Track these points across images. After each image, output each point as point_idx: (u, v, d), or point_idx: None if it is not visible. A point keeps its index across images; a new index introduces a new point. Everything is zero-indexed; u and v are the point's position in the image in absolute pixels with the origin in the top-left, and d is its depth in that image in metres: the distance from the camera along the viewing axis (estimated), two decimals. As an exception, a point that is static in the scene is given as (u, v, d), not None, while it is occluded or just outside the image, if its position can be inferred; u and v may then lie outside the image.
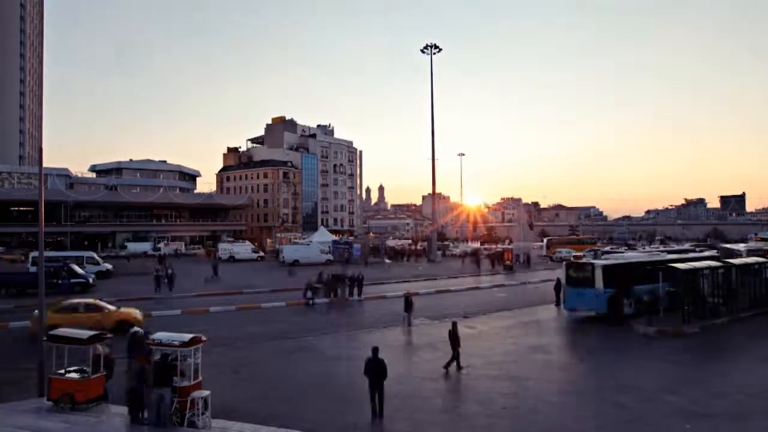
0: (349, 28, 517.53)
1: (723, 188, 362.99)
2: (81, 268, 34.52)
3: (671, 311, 20.36)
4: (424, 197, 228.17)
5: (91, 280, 32.28)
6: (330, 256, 54.80)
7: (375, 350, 11.39)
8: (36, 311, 14.71)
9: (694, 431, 10.56)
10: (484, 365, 15.63)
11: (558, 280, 27.88)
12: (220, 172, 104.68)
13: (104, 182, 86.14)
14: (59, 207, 65.59)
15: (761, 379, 14.07)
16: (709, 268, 22.34)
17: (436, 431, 10.64)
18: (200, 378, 11.06)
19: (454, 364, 14.68)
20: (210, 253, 61.95)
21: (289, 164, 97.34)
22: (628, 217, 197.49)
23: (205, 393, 10.60)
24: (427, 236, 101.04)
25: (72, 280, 30.79)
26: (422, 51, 58.23)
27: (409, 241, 77.73)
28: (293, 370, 14.94)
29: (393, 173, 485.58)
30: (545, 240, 68.82)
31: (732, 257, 26.67)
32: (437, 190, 63.65)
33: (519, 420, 11.15)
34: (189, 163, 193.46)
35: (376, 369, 11.08)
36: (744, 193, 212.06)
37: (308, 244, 57.70)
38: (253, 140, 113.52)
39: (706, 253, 28.79)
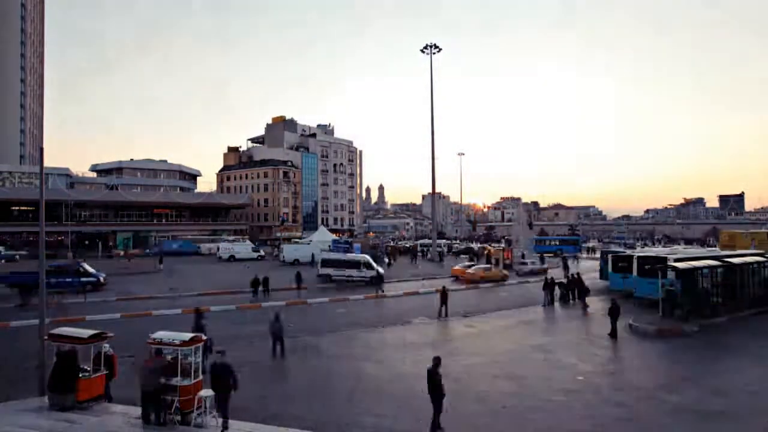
0: (349, 28, 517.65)
1: (722, 188, 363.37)
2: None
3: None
4: (424, 197, 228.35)
5: (102, 279, 32.62)
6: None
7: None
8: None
9: (696, 430, 10.60)
10: (484, 364, 15.67)
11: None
12: (220, 171, 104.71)
13: (105, 182, 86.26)
14: (60, 206, 65.69)
15: (761, 377, 14.11)
16: (709, 267, 22.48)
17: (436, 430, 10.65)
18: (200, 377, 11.09)
19: None
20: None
21: (290, 164, 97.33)
22: (627, 217, 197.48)
23: (211, 392, 10.61)
24: (426, 235, 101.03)
25: (83, 279, 31.07)
26: (422, 51, 58.19)
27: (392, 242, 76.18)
28: (293, 370, 14.98)
29: (393, 173, 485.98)
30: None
31: None
32: (437, 190, 63.57)
33: (519, 419, 11.17)
34: (189, 163, 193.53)
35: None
36: (743, 192, 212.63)
37: (308, 244, 57.71)
38: (253, 140, 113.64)
39: None
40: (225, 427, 10.01)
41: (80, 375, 11.32)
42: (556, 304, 26.88)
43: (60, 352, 11.24)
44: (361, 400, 12.44)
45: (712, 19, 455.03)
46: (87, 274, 31.93)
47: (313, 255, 51.10)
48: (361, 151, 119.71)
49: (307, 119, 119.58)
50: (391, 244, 73.92)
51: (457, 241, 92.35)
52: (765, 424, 10.95)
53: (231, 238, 75.62)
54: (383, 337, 19.75)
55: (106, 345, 12.43)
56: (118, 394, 11.99)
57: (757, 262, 24.74)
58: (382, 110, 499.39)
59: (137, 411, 10.77)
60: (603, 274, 33.72)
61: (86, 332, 11.89)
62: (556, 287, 27.64)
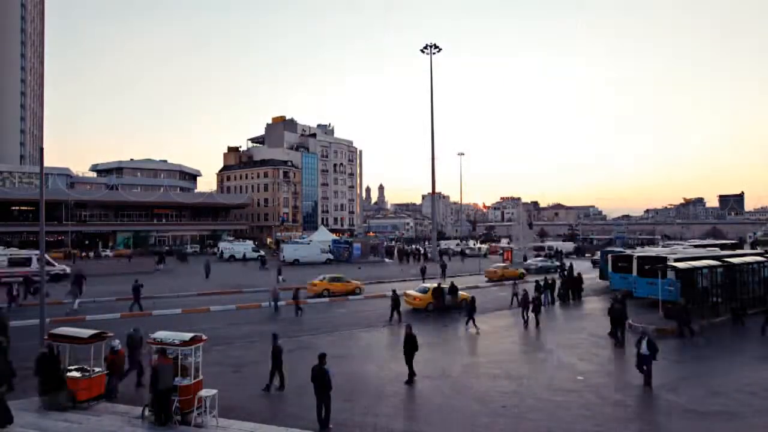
0: (349, 28, 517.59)
1: (722, 187, 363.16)
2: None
3: None
4: (424, 197, 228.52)
5: None
6: (330, 255, 54.89)
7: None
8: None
9: (695, 430, 10.59)
10: (484, 364, 15.68)
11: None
12: (220, 171, 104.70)
13: (105, 182, 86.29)
14: (60, 206, 65.74)
15: (760, 377, 14.12)
16: (709, 267, 22.48)
17: (436, 430, 10.66)
18: (201, 377, 11.10)
19: None
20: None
21: (290, 164, 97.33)
22: (627, 217, 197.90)
23: (213, 392, 10.62)
24: (427, 236, 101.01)
25: None
26: (422, 51, 58.26)
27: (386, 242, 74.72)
28: (293, 369, 14.96)
29: (393, 173, 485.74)
30: None
31: None
32: (437, 190, 63.54)
33: (519, 419, 11.18)
34: (189, 163, 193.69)
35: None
36: (743, 192, 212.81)
37: (308, 243, 57.77)
38: (253, 140, 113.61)
39: None
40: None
41: (65, 374, 11.27)
42: (556, 303, 26.92)
43: (39, 355, 11.12)
44: (361, 400, 12.44)
45: (712, 18, 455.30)
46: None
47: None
48: (361, 151, 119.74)
49: (307, 119, 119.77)
50: (393, 244, 73.77)
51: (458, 241, 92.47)
52: (765, 424, 10.95)
53: (231, 238, 75.60)
54: (383, 337, 19.74)
55: (116, 341, 12.44)
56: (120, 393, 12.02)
57: (757, 262, 24.75)
58: (382, 110, 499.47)
59: (137, 411, 10.78)
60: (603, 274, 33.73)
61: (86, 332, 11.90)
62: (556, 287, 27.67)
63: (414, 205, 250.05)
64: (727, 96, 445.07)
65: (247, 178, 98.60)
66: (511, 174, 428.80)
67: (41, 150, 13.85)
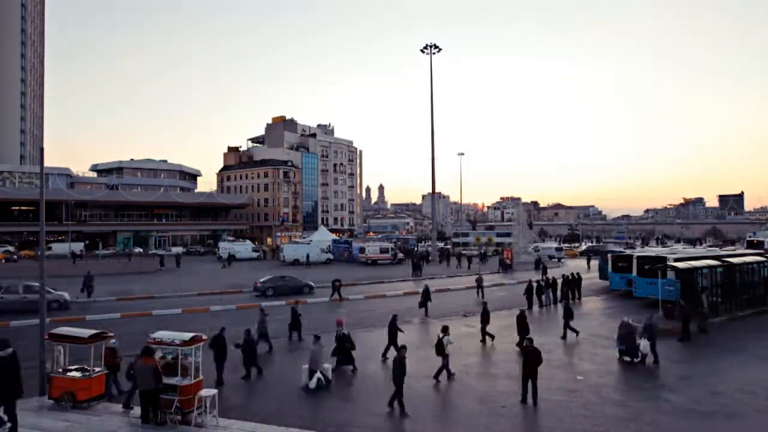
0: (349, 28, 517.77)
1: (722, 188, 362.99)
2: None
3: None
4: (424, 197, 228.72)
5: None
6: (330, 255, 54.91)
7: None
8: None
9: (695, 429, 10.60)
10: (484, 364, 15.68)
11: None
12: (220, 171, 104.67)
13: (105, 182, 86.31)
14: (60, 206, 65.78)
15: (760, 377, 14.12)
16: (708, 267, 22.49)
17: (437, 430, 10.67)
18: (201, 377, 11.10)
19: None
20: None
21: (290, 163, 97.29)
22: (627, 216, 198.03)
23: (213, 392, 10.62)
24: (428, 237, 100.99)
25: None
26: (422, 51, 58.19)
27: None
28: (292, 369, 14.97)
29: (393, 173, 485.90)
30: None
31: None
32: (437, 190, 63.53)
33: (519, 419, 11.18)
34: (189, 163, 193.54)
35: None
36: (742, 192, 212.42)
37: (308, 243, 57.82)
38: (253, 140, 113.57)
39: None
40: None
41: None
42: (559, 304, 26.86)
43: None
44: (362, 399, 12.45)
45: (712, 18, 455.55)
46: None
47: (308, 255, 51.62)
48: (361, 151, 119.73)
49: (307, 119, 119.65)
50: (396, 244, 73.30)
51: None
52: (765, 424, 10.95)
53: (231, 238, 75.62)
54: (383, 336, 19.71)
55: (113, 340, 12.46)
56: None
57: (757, 262, 24.76)
58: (382, 110, 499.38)
59: (137, 410, 10.78)
60: (603, 274, 33.73)
61: (86, 332, 11.91)
62: (559, 287, 27.59)
63: (414, 205, 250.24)
64: (728, 96, 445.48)
65: (247, 178, 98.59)
66: (511, 174, 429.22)
67: (41, 150, 13.85)
